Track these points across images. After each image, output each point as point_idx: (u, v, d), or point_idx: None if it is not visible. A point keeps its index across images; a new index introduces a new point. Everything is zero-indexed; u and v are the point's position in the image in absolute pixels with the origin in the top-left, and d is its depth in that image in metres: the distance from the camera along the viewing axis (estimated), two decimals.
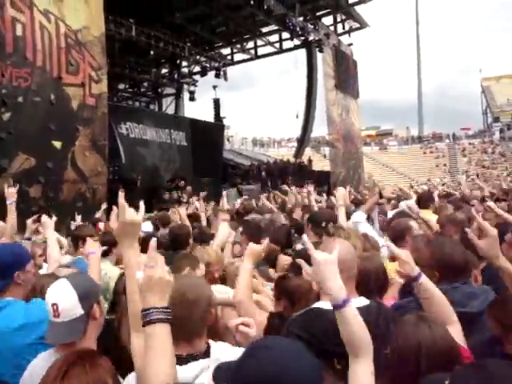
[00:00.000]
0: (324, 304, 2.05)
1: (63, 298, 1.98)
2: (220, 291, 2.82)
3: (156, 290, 1.53)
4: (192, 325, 1.82)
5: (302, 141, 29.22)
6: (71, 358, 1.54)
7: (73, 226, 6.38)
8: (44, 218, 3.86)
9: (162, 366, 1.49)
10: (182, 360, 1.78)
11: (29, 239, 3.96)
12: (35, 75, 10.43)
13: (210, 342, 1.92)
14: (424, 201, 5.96)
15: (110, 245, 4.10)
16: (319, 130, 40.09)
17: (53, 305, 1.97)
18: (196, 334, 1.85)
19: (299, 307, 2.52)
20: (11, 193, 4.24)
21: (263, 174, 22.15)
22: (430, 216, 5.33)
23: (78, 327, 2.01)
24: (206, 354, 1.86)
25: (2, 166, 9.75)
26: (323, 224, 4.28)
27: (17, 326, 2.36)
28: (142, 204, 2.00)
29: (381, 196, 8.20)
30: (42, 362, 2.03)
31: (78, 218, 6.43)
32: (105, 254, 4.19)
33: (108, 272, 3.77)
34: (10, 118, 9.93)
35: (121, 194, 1.86)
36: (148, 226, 5.81)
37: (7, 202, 4.14)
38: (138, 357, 1.67)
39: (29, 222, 3.97)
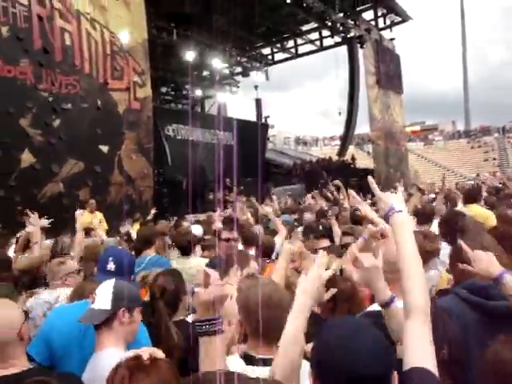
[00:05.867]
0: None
1: None
2: None
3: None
4: (278, 326, 1.74)
5: (346, 138, 28.71)
6: (133, 363, 1.49)
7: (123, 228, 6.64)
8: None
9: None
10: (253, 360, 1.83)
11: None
12: (83, 82, 10.77)
13: None
14: (471, 196, 5.93)
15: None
16: (363, 127, 39.61)
17: None
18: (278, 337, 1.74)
19: (341, 311, 2.53)
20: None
21: (299, 172, 21.83)
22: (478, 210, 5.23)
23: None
24: None
25: (54, 170, 10.12)
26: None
27: None
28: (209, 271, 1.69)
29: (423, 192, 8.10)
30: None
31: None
32: None
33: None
34: (60, 125, 10.30)
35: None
36: (198, 229, 5.79)
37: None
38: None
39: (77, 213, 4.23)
